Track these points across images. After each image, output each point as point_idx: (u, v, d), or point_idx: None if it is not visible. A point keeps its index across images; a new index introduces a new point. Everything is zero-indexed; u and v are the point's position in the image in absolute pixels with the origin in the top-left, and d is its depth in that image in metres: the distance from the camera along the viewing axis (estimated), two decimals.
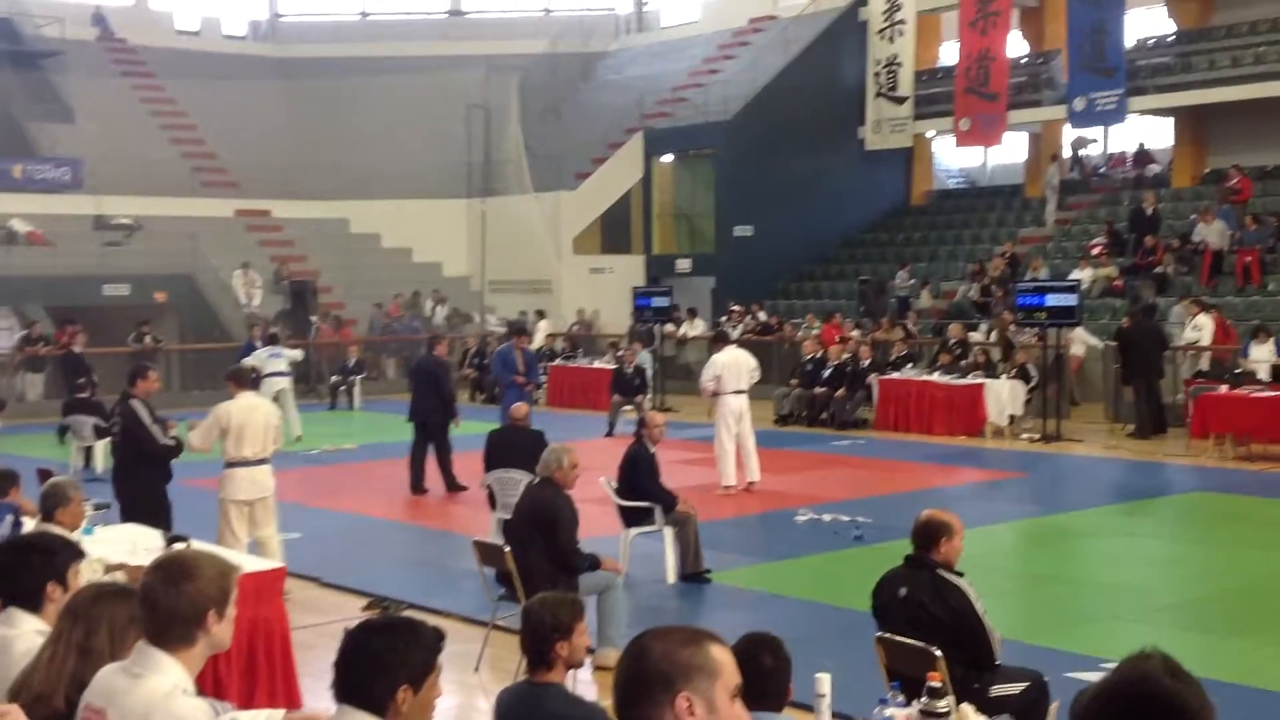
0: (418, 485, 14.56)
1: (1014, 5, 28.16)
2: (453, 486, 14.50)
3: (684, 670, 2.41)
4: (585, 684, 7.38)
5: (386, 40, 37.86)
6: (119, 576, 6.46)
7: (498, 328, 28.40)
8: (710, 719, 2.41)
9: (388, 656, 3.07)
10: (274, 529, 9.82)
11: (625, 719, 2.45)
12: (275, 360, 19.24)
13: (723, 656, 2.48)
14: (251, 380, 10.26)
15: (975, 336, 21.60)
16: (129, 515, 9.31)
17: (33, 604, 4.12)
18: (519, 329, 18.19)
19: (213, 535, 9.32)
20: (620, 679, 2.49)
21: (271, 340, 20.38)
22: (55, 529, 6.12)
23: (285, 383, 19.23)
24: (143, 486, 9.75)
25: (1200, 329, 19.23)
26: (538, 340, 24.84)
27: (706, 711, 2.40)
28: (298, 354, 21.20)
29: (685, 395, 22.50)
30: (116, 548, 7.31)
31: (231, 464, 9.59)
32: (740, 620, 8.66)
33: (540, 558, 7.82)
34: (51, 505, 6.48)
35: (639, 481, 10.22)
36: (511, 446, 11.19)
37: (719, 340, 15.86)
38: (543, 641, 4.61)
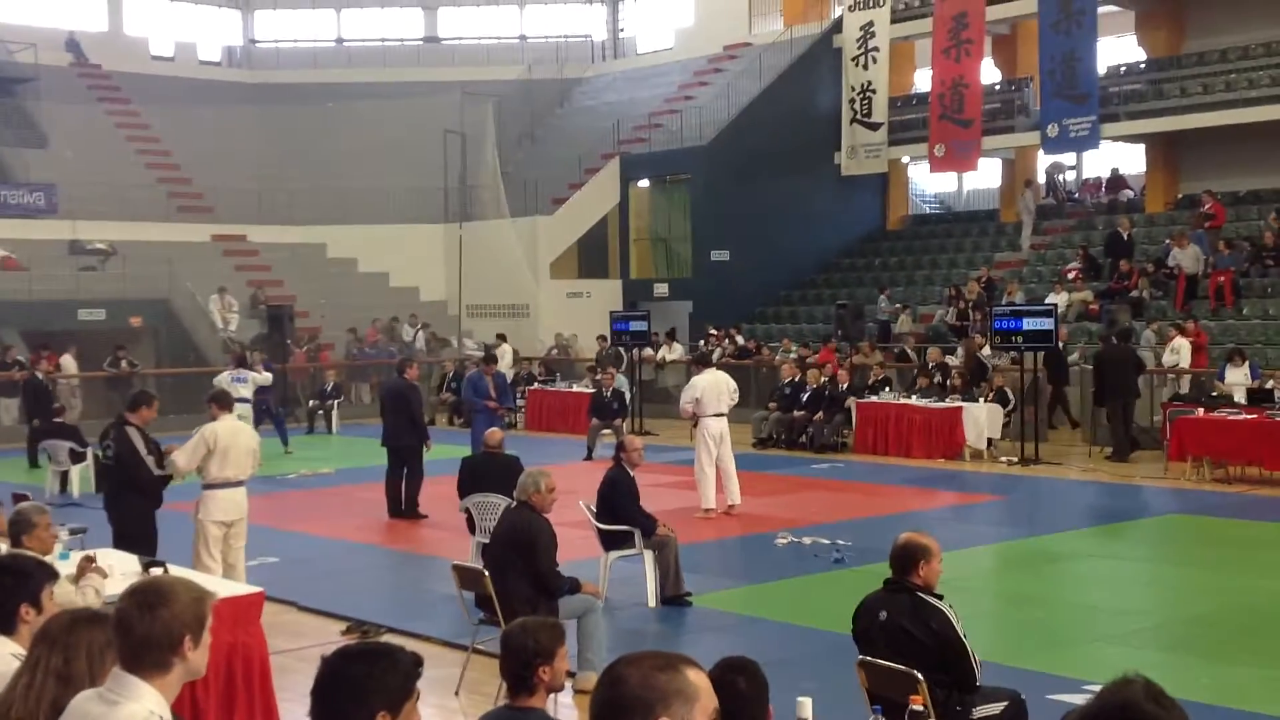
0: (395, 509, 14.47)
1: (987, 33, 28.38)
2: (412, 513, 14.34)
3: (662, 695, 2.40)
4: (566, 708, 7.35)
5: (362, 66, 37.94)
6: (93, 580, 6.39)
7: (475, 352, 28.36)
8: None
9: (365, 683, 3.02)
10: (243, 552, 9.80)
11: None
12: (240, 385, 19.15)
13: (699, 681, 2.47)
14: (231, 403, 10.19)
15: (952, 360, 21.67)
16: (120, 541, 9.27)
17: (6, 626, 4.07)
18: (490, 358, 18.21)
19: (190, 559, 9.26)
20: (597, 706, 2.46)
21: (240, 363, 20.40)
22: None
23: (245, 409, 18.97)
24: (131, 513, 9.69)
25: (1178, 352, 19.35)
26: (505, 363, 24.74)
27: None
28: (266, 377, 21.00)
29: (664, 419, 22.48)
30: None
31: (212, 485, 9.57)
32: (721, 643, 8.63)
33: (519, 581, 7.78)
34: (16, 532, 6.38)
35: (619, 505, 10.18)
36: (487, 472, 11.16)
37: (700, 362, 15.87)
38: (525, 666, 4.55)
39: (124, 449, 9.67)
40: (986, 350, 21.22)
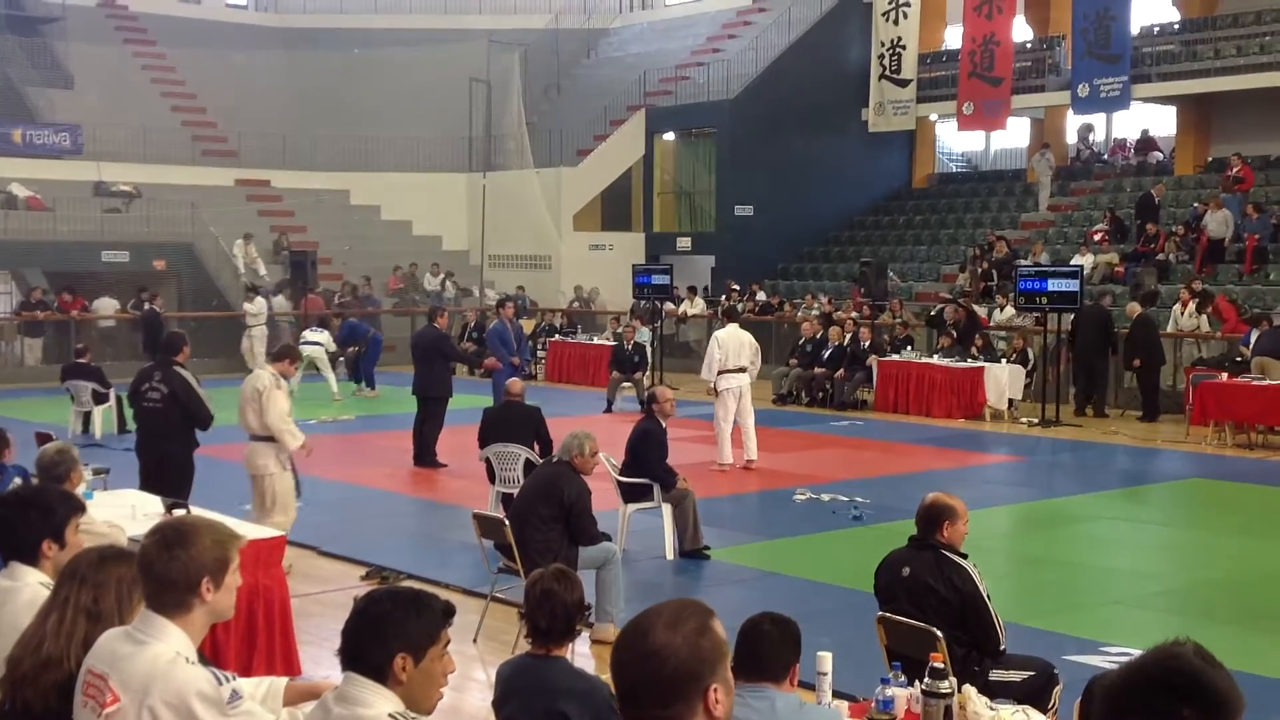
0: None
1: None
2: (427, 461, 14.30)
3: (710, 663, 2.34)
4: (583, 657, 7.39)
5: (388, 13, 37.72)
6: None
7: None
8: (727, 700, 2.36)
9: (386, 625, 3.05)
10: (273, 515, 9.35)
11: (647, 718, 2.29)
12: (314, 331, 21.69)
13: (720, 629, 2.42)
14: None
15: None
16: (151, 483, 9.26)
17: (31, 560, 4.09)
18: (503, 302, 18.28)
19: (223, 506, 9.23)
20: (640, 680, 2.31)
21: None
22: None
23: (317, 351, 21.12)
24: (172, 455, 9.72)
25: (1197, 316, 19.23)
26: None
27: (725, 694, 2.36)
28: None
29: (685, 374, 22.45)
30: (115, 513, 7.26)
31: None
32: (739, 597, 8.68)
33: (540, 531, 7.82)
34: (56, 477, 6.32)
35: (648, 456, 10.18)
36: (508, 422, 11.18)
37: (727, 315, 15.84)
38: (568, 620, 4.70)
39: (183, 389, 9.69)
40: (1011, 310, 21.11)
